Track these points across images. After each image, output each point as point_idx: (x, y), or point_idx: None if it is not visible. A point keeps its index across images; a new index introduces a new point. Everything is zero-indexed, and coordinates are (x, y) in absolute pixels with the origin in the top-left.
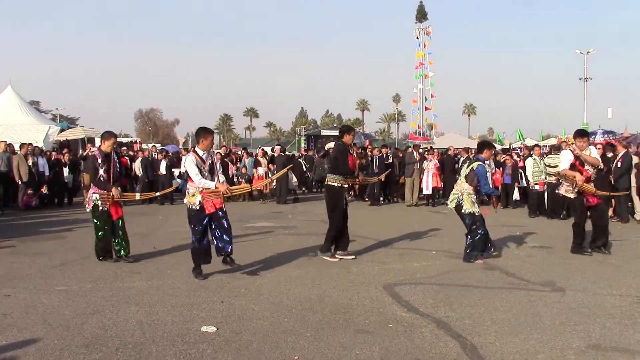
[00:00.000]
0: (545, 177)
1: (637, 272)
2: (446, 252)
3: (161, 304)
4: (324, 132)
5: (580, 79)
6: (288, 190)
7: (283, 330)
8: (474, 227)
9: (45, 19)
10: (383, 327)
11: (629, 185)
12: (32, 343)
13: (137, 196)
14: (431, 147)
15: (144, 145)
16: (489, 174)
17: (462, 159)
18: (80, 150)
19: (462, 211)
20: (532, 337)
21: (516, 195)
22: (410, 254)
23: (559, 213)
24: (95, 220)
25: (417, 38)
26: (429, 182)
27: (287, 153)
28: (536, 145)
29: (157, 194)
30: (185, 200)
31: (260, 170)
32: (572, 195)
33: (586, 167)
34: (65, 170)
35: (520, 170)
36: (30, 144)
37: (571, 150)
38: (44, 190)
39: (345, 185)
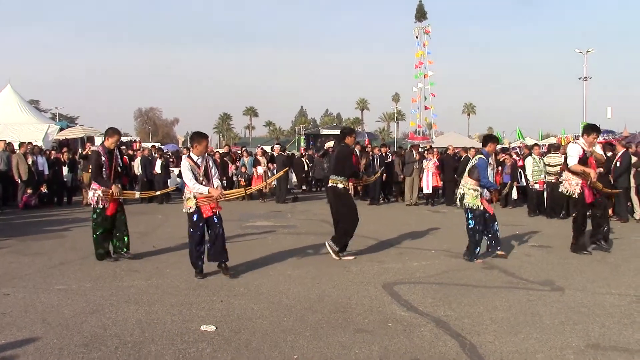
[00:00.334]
0: (545, 176)
1: (636, 271)
2: (445, 252)
3: (160, 303)
4: (324, 131)
5: (579, 79)
6: (287, 190)
7: (282, 329)
8: (472, 222)
9: (45, 18)
10: (382, 327)
11: (628, 184)
12: (31, 342)
13: (137, 194)
14: (430, 146)
15: (143, 144)
16: (491, 169)
17: (462, 158)
18: (80, 149)
19: (464, 204)
20: (531, 337)
21: (514, 194)
22: (409, 253)
23: (559, 212)
24: (94, 217)
25: (417, 37)
26: (429, 181)
27: (287, 152)
28: (536, 144)
29: (157, 192)
30: (183, 204)
31: (260, 170)
32: (577, 192)
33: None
34: (65, 169)
35: (519, 170)
36: (30, 142)
37: (580, 144)
38: (44, 189)
39: (349, 186)
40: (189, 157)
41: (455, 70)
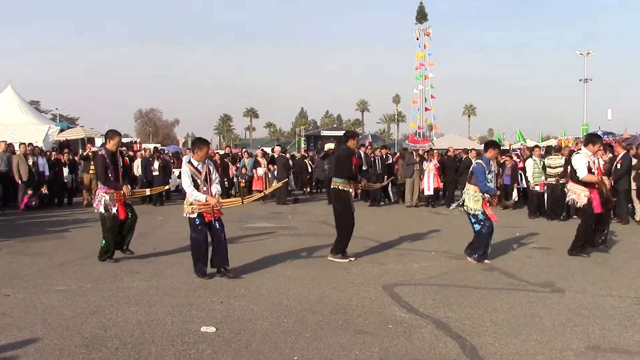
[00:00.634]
0: (546, 178)
1: (636, 273)
2: (446, 253)
3: (161, 304)
4: (324, 133)
5: (580, 80)
6: (288, 191)
7: (282, 330)
8: (478, 226)
9: (45, 18)
10: (382, 328)
11: (628, 186)
12: (31, 343)
13: (148, 191)
14: (431, 148)
15: (144, 146)
16: (492, 175)
17: (463, 159)
18: (80, 150)
19: (464, 208)
20: (532, 338)
21: (515, 196)
22: (409, 255)
23: (559, 214)
24: (104, 223)
25: (417, 39)
26: (430, 183)
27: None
28: (536, 146)
29: (155, 191)
30: (184, 207)
31: (260, 171)
32: (584, 201)
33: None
34: (65, 170)
35: (519, 171)
36: (31, 143)
37: (584, 155)
38: (44, 190)
39: (351, 190)
40: (190, 162)
41: (455, 71)
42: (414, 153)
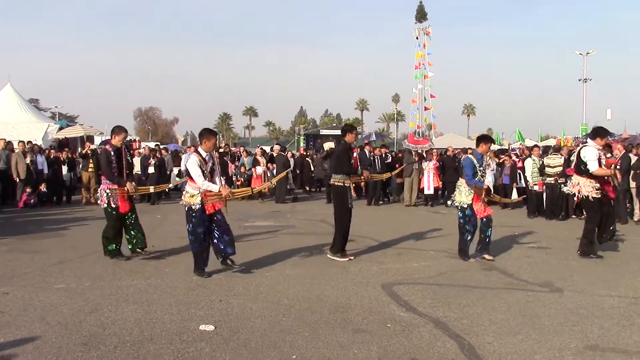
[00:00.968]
0: (545, 178)
1: (635, 273)
2: (444, 252)
3: (159, 302)
4: (323, 132)
5: (579, 80)
6: (287, 190)
7: (281, 329)
8: (462, 221)
9: (45, 16)
10: (381, 327)
11: (628, 186)
12: (30, 341)
13: (152, 189)
14: (430, 147)
15: (146, 144)
16: (489, 170)
17: (462, 159)
18: (79, 148)
19: (453, 202)
20: (530, 338)
21: (514, 195)
22: (408, 254)
23: (558, 214)
24: (108, 216)
25: (417, 38)
26: (430, 182)
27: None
28: (535, 145)
29: (158, 188)
30: (182, 201)
31: (259, 170)
32: (596, 195)
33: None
34: (64, 169)
35: (518, 171)
36: (30, 141)
37: (594, 147)
38: (43, 188)
39: (350, 185)
40: (197, 152)
41: (455, 71)
42: (413, 152)
